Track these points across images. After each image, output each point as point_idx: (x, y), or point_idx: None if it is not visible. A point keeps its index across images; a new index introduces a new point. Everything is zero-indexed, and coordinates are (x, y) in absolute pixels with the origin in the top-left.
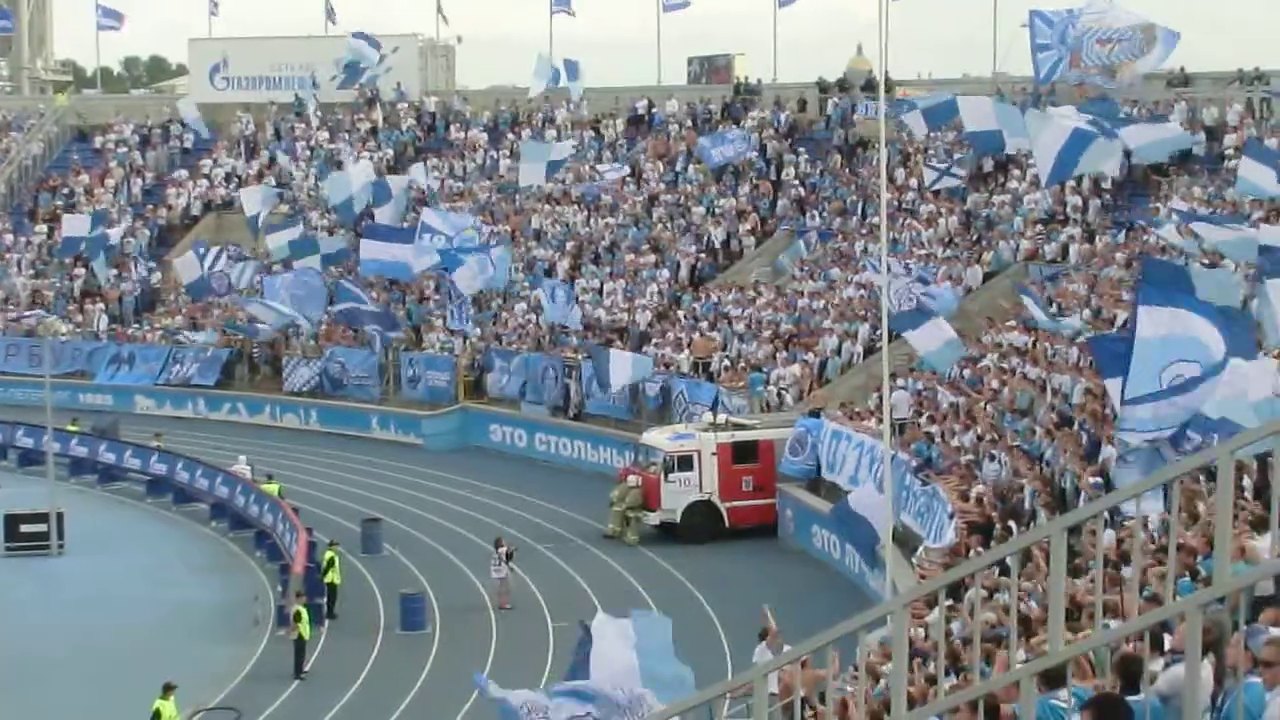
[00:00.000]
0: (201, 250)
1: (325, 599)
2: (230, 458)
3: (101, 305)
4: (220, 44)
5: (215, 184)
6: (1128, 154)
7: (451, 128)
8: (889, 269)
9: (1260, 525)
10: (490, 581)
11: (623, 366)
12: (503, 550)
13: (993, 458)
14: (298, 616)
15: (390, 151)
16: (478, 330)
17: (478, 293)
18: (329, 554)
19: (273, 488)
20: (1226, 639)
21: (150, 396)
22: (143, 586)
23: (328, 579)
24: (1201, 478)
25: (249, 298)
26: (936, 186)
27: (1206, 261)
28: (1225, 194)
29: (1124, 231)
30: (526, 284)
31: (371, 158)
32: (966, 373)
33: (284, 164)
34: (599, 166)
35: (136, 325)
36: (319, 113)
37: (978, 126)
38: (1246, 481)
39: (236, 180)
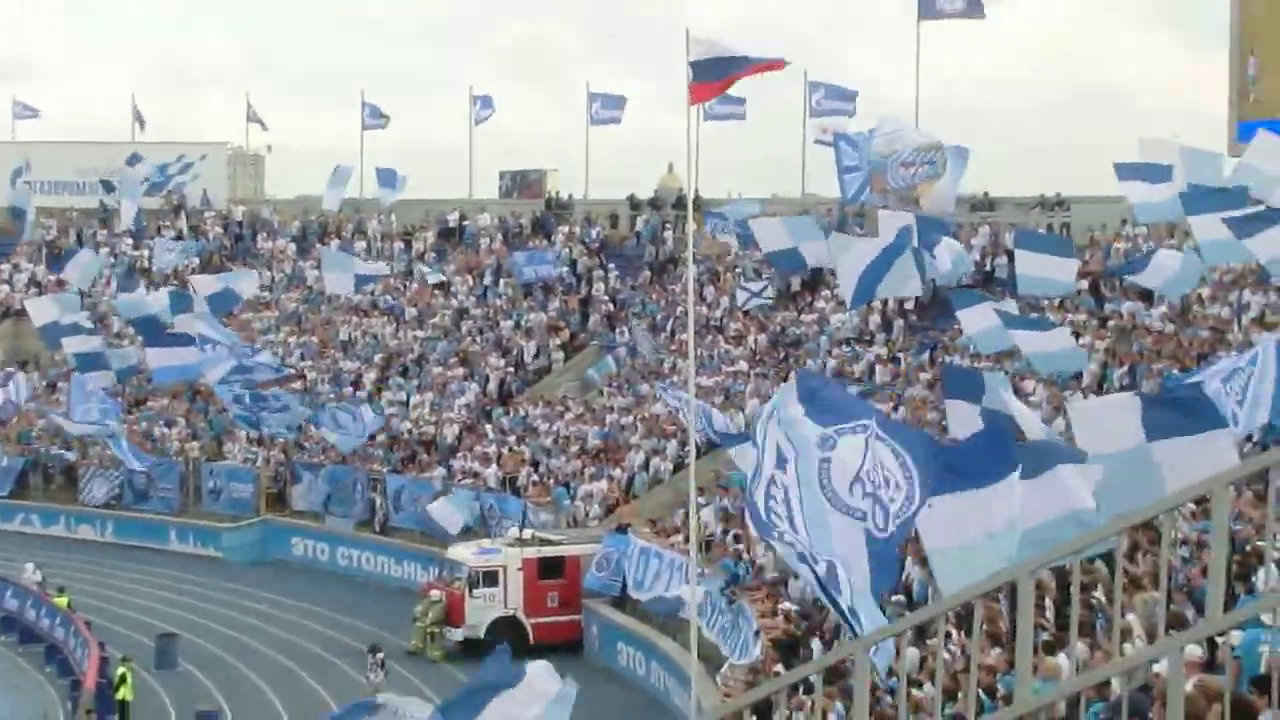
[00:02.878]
0: None
1: (117, 716)
2: (21, 570)
3: None
4: (24, 147)
5: (16, 289)
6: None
7: (259, 237)
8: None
9: (1052, 649)
10: (365, 686)
11: (448, 513)
12: (380, 655)
13: (798, 576)
14: None
15: (196, 260)
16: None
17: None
18: (121, 670)
19: (63, 600)
20: None
21: None
22: None
23: (120, 696)
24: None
25: (49, 408)
26: (747, 307)
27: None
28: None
29: (928, 352)
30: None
31: (177, 267)
32: None
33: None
34: (423, 268)
35: None
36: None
37: (775, 247)
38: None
39: (37, 287)
